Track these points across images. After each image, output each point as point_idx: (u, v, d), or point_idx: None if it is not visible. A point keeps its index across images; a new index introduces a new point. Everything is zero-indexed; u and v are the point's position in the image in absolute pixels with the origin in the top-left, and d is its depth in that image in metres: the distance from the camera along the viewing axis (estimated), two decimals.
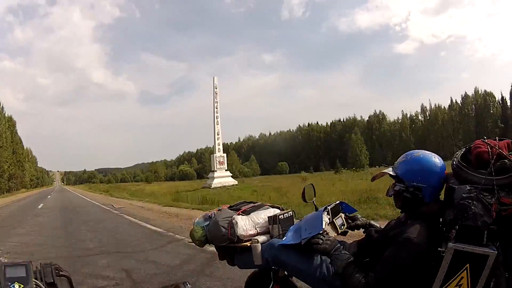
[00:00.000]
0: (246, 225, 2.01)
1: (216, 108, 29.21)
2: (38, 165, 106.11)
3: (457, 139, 74.98)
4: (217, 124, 29.24)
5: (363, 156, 77.83)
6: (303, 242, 1.68)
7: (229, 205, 2.30)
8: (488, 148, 1.45)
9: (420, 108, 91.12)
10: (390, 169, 1.69)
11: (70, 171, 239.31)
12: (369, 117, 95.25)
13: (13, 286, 0.77)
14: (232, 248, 2.08)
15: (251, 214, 2.11)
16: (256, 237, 1.96)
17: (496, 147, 1.44)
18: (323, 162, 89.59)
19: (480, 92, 79.94)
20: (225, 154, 29.56)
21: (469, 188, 1.39)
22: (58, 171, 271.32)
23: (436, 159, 1.61)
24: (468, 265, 1.36)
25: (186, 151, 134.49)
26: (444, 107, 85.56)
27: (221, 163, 28.31)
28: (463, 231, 1.36)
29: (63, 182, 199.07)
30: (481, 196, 1.35)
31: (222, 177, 27.81)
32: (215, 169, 27.96)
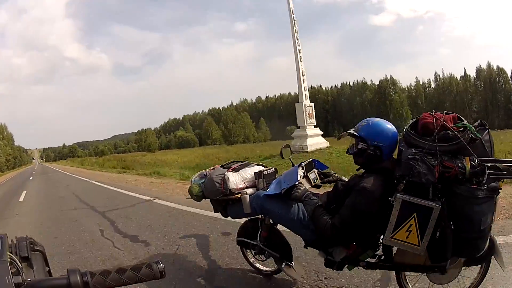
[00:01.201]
0: (236, 180, 2.41)
1: (297, 39, 18.30)
2: (15, 144, 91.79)
3: (472, 110, 72.75)
4: (301, 60, 18.29)
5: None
6: (282, 192, 2.09)
7: (221, 165, 2.68)
8: (433, 120, 1.72)
9: (433, 75, 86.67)
10: (353, 130, 1.99)
11: (48, 147, 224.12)
12: (380, 82, 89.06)
13: None
14: (225, 202, 2.48)
15: (240, 171, 2.50)
16: (245, 190, 2.39)
17: (441, 120, 1.70)
18: (333, 126, 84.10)
19: (492, 67, 77.70)
20: (313, 104, 18.49)
21: (414, 151, 1.69)
22: (36, 148, 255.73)
23: (391, 126, 1.95)
24: (415, 214, 1.67)
25: (172, 118, 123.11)
26: (456, 77, 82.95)
27: (310, 115, 17.17)
28: (411, 186, 1.67)
29: (43, 159, 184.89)
30: (425, 158, 1.64)
31: (315, 136, 17.07)
32: (305, 124, 16.75)
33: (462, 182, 1.63)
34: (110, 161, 31.92)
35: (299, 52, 17.39)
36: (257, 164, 2.67)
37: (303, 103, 16.69)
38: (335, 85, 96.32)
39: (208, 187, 2.44)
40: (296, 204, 2.12)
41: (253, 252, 2.62)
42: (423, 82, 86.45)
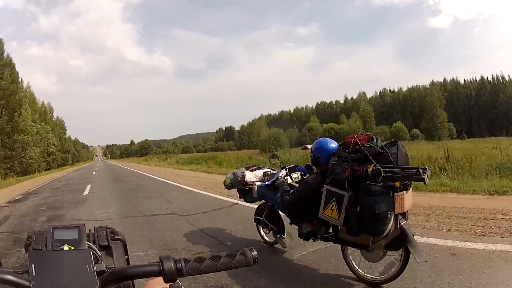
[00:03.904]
0: (251, 176, 3.88)
1: None
2: (71, 137, 78.07)
3: None
4: None
5: None
6: (269, 183, 3.57)
7: (246, 166, 4.25)
8: (353, 139, 2.56)
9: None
10: (310, 145, 3.26)
11: (112, 144, 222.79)
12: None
13: (62, 248, 0.74)
14: (245, 190, 3.94)
15: (254, 171, 3.97)
16: (256, 183, 3.84)
17: (356, 138, 2.55)
18: (479, 124, 76.94)
19: None
20: None
21: (336, 158, 2.66)
22: (99, 145, 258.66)
23: (332, 144, 2.99)
24: (334, 199, 2.57)
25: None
26: None
27: None
28: (334, 180, 2.62)
29: (106, 156, 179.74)
30: (343, 163, 2.55)
31: None
32: None
33: (364, 180, 2.39)
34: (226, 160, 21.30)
35: None
36: (267, 168, 4.10)
37: None
38: (474, 78, 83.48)
39: (234, 180, 3.93)
40: (279, 192, 3.29)
41: (262, 226, 3.93)
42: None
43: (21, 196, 12.51)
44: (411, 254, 2.45)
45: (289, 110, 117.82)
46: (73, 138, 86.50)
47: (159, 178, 15.36)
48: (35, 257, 0.69)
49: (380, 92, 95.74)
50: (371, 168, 2.35)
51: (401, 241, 2.48)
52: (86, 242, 0.78)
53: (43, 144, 41.81)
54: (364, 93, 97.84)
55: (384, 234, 2.41)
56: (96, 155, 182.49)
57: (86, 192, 11.50)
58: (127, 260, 0.91)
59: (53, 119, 59.08)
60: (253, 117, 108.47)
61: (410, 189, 2.46)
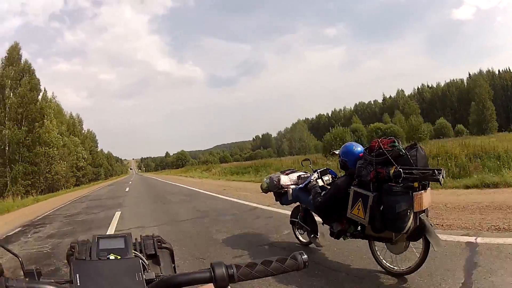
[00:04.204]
0: (286, 180, 4.02)
1: None
2: (105, 151, 74.81)
3: None
4: None
5: None
6: (303, 185, 3.71)
7: (281, 171, 4.49)
8: (376, 143, 2.77)
9: None
10: (337, 150, 3.45)
11: (147, 157, 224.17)
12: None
13: (109, 257, 0.74)
14: (280, 193, 4.12)
15: (289, 174, 4.10)
16: (290, 186, 3.97)
17: (379, 143, 2.76)
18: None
19: None
20: None
21: (362, 161, 2.88)
22: (133, 158, 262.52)
23: (357, 148, 3.20)
24: (360, 199, 2.79)
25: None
26: None
27: None
28: (360, 182, 2.84)
29: (140, 169, 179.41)
30: (368, 166, 2.77)
31: None
32: None
33: (387, 182, 2.62)
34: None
35: None
36: (301, 171, 4.24)
37: None
38: (508, 69, 78.69)
39: (271, 184, 4.11)
40: (311, 194, 3.51)
41: (297, 227, 4.09)
42: None
43: (18, 229, 8.03)
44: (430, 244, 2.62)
45: (326, 113, 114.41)
46: (105, 152, 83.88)
47: (222, 196, 10.19)
48: (79, 267, 0.68)
49: (418, 89, 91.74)
50: (393, 170, 2.59)
51: (421, 232, 2.65)
52: (133, 251, 0.78)
53: (72, 158, 38.20)
54: (402, 90, 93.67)
55: (404, 231, 2.62)
56: (131, 168, 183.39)
57: (112, 227, 6.70)
58: (174, 268, 0.89)
59: (83, 131, 55.17)
60: (290, 123, 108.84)
61: (429, 188, 2.68)
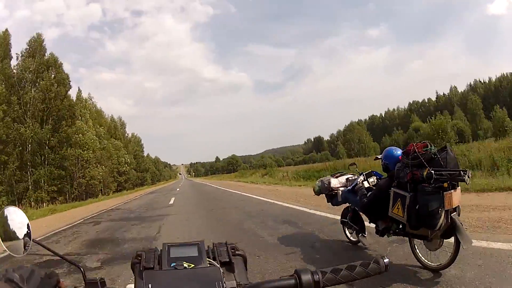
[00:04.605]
0: (336, 182, 4.43)
1: None
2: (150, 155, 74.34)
3: None
4: None
5: None
6: (351, 187, 4.14)
7: (331, 174, 4.91)
8: (412, 147, 3.10)
9: None
10: (380, 155, 3.84)
11: (196, 162, 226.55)
12: None
13: (184, 266, 0.73)
14: (331, 195, 4.50)
15: (339, 177, 4.51)
16: (340, 188, 4.38)
17: (415, 147, 3.07)
18: None
19: None
20: None
21: (400, 164, 3.24)
22: (182, 164, 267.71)
23: (397, 151, 3.61)
24: (399, 199, 3.12)
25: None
26: None
27: None
28: (399, 183, 3.19)
29: (190, 174, 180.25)
30: (405, 168, 3.12)
31: None
32: None
33: (421, 183, 2.91)
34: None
35: None
36: (350, 174, 4.60)
37: None
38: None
39: (322, 186, 4.52)
40: (358, 195, 3.91)
41: (347, 227, 4.41)
42: None
43: None
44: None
45: (380, 113, 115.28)
46: (152, 157, 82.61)
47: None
48: (152, 277, 0.66)
49: (471, 85, 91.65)
50: (426, 171, 2.87)
51: (452, 230, 2.91)
52: (207, 259, 0.76)
53: (112, 162, 35.09)
54: (455, 87, 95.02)
55: (437, 228, 2.85)
56: (180, 173, 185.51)
57: None
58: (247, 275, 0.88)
59: (126, 135, 53.10)
60: (340, 125, 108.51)
61: (458, 187, 2.91)
